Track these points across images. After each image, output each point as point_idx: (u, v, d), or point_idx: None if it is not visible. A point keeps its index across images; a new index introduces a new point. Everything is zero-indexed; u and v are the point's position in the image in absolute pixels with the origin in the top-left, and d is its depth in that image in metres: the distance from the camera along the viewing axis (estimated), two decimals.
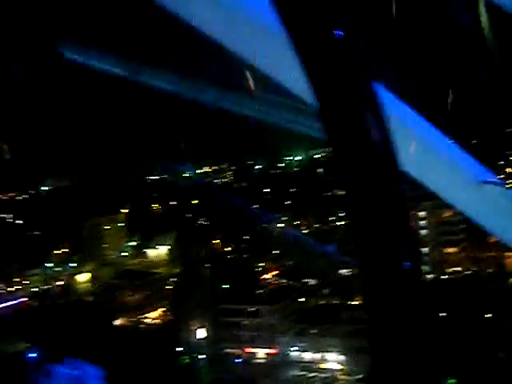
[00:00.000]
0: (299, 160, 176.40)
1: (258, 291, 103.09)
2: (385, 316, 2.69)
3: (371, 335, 2.72)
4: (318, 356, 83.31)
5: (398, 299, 2.69)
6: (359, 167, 2.79)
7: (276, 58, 4.54)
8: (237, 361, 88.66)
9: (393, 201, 2.80)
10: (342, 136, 2.87)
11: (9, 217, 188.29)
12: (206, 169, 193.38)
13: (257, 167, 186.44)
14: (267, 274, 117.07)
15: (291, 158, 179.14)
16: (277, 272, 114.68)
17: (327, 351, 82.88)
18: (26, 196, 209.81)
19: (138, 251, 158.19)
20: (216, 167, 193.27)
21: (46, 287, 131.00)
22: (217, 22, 4.46)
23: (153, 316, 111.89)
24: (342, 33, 2.72)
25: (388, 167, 2.83)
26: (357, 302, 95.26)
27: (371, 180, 2.78)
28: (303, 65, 2.85)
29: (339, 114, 2.84)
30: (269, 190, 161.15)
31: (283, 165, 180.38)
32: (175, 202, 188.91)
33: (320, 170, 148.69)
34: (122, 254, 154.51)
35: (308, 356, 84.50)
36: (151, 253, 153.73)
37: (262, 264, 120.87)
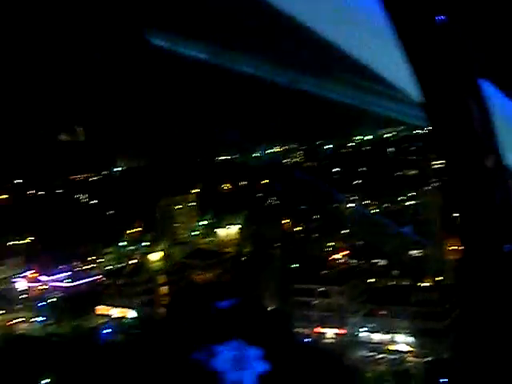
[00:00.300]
0: (369, 139, 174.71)
1: (328, 271, 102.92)
2: (483, 298, 2.82)
3: (468, 316, 2.85)
4: (386, 337, 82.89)
5: (499, 281, 2.82)
6: (463, 157, 2.93)
7: (376, 49, 4.76)
8: (306, 340, 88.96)
9: (496, 189, 2.93)
10: (446, 126, 3.00)
11: (83, 197, 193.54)
12: (277, 149, 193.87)
13: (327, 147, 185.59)
14: (337, 253, 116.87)
15: (361, 137, 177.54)
16: (347, 252, 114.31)
17: (396, 333, 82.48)
18: (100, 177, 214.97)
19: (209, 230, 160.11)
20: (286, 147, 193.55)
21: (119, 265, 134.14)
22: (319, 14, 4.69)
23: None
24: (444, 18, 2.83)
25: (491, 159, 2.96)
26: (427, 284, 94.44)
27: (475, 170, 2.91)
28: (407, 53, 2.99)
29: (444, 105, 2.97)
30: (338, 169, 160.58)
31: (353, 144, 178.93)
32: (245, 182, 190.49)
33: (390, 150, 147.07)
34: (194, 233, 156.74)
35: (377, 337, 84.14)
36: (222, 232, 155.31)
37: (332, 244, 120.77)
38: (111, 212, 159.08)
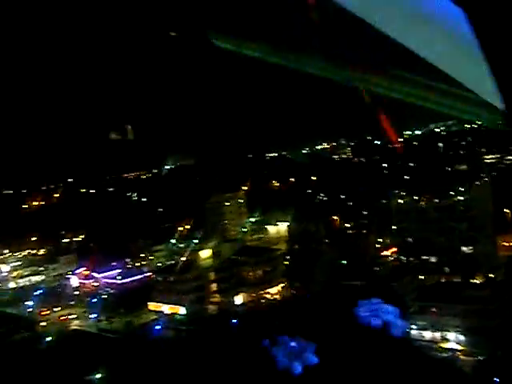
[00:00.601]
0: (419, 134, 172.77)
1: (378, 268, 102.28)
2: None
3: None
4: (437, 335, 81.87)
5: None
6: None
7: (438, 45, 4.88)
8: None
9: None
10: None
11: (135, 195, 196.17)
12: (325, 145, 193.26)
13: (376, 142, 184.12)
14: (386, 250, 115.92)
15: (411, 132, 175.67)
16: (396, 249, 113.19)
17: (447, 330, 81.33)
18: (151, 175, 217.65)
19: (258, 227, 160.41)
20: (334, 143, 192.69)
21: (170, 262, 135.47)
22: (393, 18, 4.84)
23: (273, 292, 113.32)
24: None
25: None
26: (479, 281, 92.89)
27: None
28: (488, 56, 3.02)
29: None
30: (388, 165, 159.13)
31: (402, 139, 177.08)
32: (294, 179, 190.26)
33: (440, 145, 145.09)
34: (243, 230, 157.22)
35: (428, 335, 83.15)
36: (271, 229, 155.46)
37: (381, 240, 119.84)
38: (161, 210, 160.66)
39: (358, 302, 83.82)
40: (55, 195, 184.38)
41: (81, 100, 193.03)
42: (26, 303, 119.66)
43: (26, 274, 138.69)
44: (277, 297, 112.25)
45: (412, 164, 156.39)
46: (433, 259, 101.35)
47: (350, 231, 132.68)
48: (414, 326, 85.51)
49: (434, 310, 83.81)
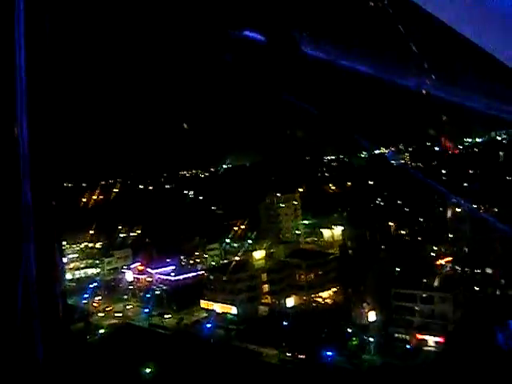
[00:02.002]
0: (480, 142, 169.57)
1: (432, 277, 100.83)
2: None
3: None
4: None
5: None
6: None
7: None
8: (407, 347, 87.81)
9: None
10: None
11: (191, 193, 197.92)
12: (382, 149, 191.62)
13: (435, 148, 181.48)
14: (442, 259, 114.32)
15: (471, 139, 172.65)
16: (451, 258, 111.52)
17: None
18: (207, 174, 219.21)
19: (313, 230, 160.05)
20: (392, 148, 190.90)
21: (223, 262, 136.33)
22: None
23: (324, 296, 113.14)
24: None
25: None
26: None
27: None
28: None
29: None
30: (445, 171, 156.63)
31: (461, 147, 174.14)
32: (351, 183, 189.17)
33: (501, 153, 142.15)
34: (297, 232, 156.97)
35: None
36: (326, 232, 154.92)
37: (437, 249, 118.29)
38: (217, 209, 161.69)
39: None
40: (114, 190, 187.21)
41: (143, 96, 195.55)
42: (81, 295, 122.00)
43: (82, 266, 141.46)
44: (328, 301, 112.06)
45: (471, 171, 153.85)
46: (488, 270, 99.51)
47: (406, 238, 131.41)
48: None
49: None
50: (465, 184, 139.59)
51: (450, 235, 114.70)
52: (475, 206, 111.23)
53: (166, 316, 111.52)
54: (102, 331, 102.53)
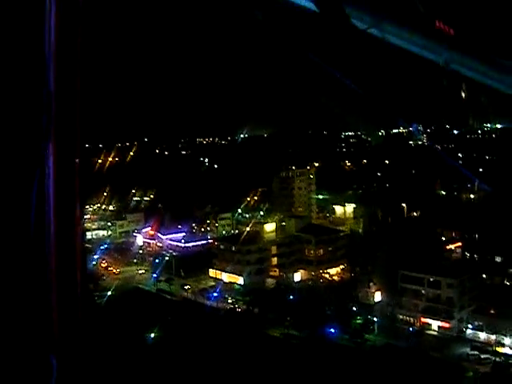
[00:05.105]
0: (500, 128, 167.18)
1: (441, 261, 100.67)
2: None
3: None
4: (493, 338, 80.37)
5: None
6: None
7: None
8: (410, 329, 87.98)
9: None
10: None
11: (206, 161, 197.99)
12: (401, 129, 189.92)
13: (454, 131, 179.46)
14: (452, 244, 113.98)
15: (491, 125, 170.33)
16: (462, 243, 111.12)
17: (504, 335, 79.71)
18: (224, 142, 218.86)
19: (325, 206, 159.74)
20: (410, 128, 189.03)
21: (234, 232, 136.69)
22: None
23: (332, 272, 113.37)
24: None
25: None
26: None
27: None
28: None
29: None
30: (462, 155, 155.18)
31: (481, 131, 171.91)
32: (366, 160, 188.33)
33: None
34: (310, 207, 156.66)
35: (483, 336, 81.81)
36: (338, 209, 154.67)
37: (448, 233, 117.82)
38: (231, 178, 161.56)
39: None
40: (130, 153, 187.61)
41: (167, 59, 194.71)
42: (91, 256, 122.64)
43: (94, 227, 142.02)
44: (335, 278, 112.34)
45: (488, 157, 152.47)
46: (498, 259, 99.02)
47: (417, 220, 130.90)
48: (469, 326, 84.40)
49: (492, 311, 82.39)
50: (480, 169, 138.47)
51: (462, 221, 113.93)
52: (489, 192, 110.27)
53: (173, 282, 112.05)
54: (109, 293, 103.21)
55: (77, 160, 3.67)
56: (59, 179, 3.33)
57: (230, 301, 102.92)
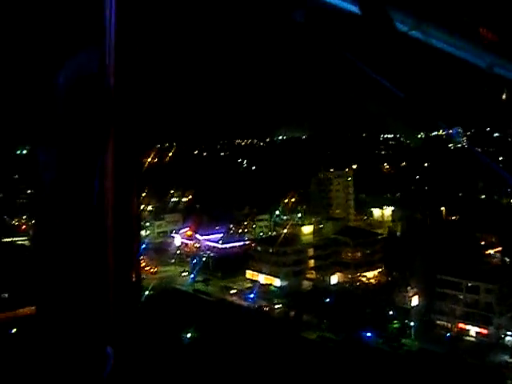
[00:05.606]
0: None
1: (480, 266, 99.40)
2: None
3: None
4: None
5: None
6: None
7: None
8: (447, 335, 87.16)
9: None
10: None
11: (245, 162, 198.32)
12: (441, 131, 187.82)
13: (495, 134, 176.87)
14: (492, 249, 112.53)
15: None
16: (500, 248, 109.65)
17: None
18: (262, 144, 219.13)
19: (363, 209, 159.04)
20: (450, 131, 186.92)
21: (272, 233, 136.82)
22: None
23: (369, 276, 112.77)
24: None
25: None
26: None
27: None
28: None
29: None
30: (503, 158, 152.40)
31: None
32: (405, 163, 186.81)
33: None
34: (347, 210, 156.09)
35: None
36: (376, 212, 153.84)
37: (487, 238, 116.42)
38: (269, 180, 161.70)
39: None
40: (168, 154, 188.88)
41: (207, 60, 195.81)
42: None
43: None
44: (372, 281, 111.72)
45: None
46: None
47: (456, 224, 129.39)
48: (508, 333, 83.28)
49: None
50: None
51: (503, 225, 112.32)
52: None
53: (210, 283, 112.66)
54: (146, 293, 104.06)
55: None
56: (118, 169, 3.47)
57: (266, 303, 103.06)
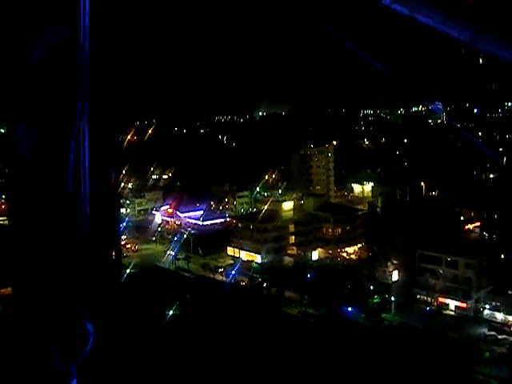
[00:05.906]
0: None
1: (459, 241, 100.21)
2: None
3: None
4: (510, 318, 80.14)
5: None
6: None
7: None
8: (427, 309, 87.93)
9: None
10: None
11: (225, 139, 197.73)
12: (420, 107, 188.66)
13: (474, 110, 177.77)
14: (470, 224, 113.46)
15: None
16: (479, 223, 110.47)
17: None
18: (242, 120, 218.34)
19: (344, 185, 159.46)
20: (429, 107, 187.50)
21: (252, 210, 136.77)
22: None
23: (350, 251, 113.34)
24: None
25: None
26: None
27: None
28: None
29: None
30: (481, 133, 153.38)
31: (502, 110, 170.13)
32: (385, 139, 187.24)
33: None
34: (327, 186, 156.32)
35: (500, 316, 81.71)
36: (356, 188, 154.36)
37: (466, 212, 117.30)
38: (250, 156, 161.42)
39: None
40: (148, 131, 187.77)
41: (187, 39, 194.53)
42: None
43: None
44: (353, 257, 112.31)
45: (508, 136, 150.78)
46: None
47: (436, 199, 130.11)
48: (487, 306, 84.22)
49: (510, 292, 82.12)
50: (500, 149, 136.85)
51: (482, 200, 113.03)
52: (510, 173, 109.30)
53: (191, 260, 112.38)
54: (127, 271, 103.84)
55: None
56: (94, 146, 3.39)
57: (248, 279, 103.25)
